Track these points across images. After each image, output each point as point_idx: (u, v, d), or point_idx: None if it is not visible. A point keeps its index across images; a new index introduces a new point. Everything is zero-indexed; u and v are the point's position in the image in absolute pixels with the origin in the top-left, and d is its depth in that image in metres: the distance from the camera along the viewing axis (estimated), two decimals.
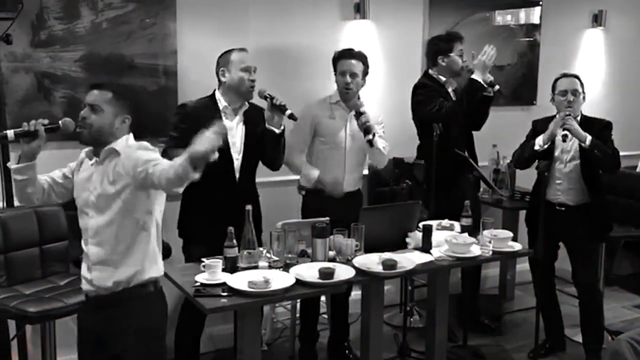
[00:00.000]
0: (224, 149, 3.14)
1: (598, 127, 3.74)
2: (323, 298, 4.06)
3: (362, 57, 3.65)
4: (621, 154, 3.74)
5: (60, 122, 2.50)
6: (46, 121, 2.46)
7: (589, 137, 3.61)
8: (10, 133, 2.42)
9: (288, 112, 3.26)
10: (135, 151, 2.43)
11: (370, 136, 3.53)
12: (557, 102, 3.80)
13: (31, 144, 2.44)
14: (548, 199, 3.78)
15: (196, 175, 2.20)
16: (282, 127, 3.32)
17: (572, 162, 3.79)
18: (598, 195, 3.81)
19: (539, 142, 3.75)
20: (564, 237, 3.89)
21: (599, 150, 3.61)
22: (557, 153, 3.81)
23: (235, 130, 3.35)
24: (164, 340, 2.60)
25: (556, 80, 3.85)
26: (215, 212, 3.24)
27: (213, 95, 3.39)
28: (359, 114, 3.55)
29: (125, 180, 2.39)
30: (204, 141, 2.15)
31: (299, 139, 3.67)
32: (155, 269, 2.52)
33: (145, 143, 2.50)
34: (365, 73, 3.66)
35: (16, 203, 3.34)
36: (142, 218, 2.45)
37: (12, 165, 2.49)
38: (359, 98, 3.66)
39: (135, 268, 2.44)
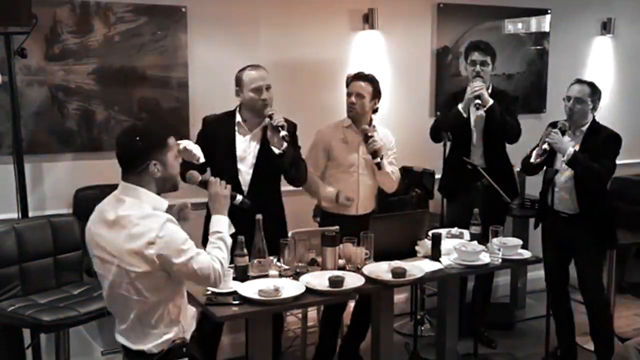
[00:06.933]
0: (231, 164, 3.18)
1: (602, 137, 3.71)
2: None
3: (371, 80, 3.66)
4: (631, 161, 3.70)
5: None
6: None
7: (570, 151, 3.59)
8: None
9: (282, 132, 3.22)
10: None
11: (378, 159, 3.57)
12: (564, 106, 3.79)
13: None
14: (552, 207, 3.79)
15: None
16: (282, 148, 3.27)
17: (567, 172, 3.74)
18: (598, 205, 3.75)
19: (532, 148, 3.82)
20: (569, 245, 3.87)
21: (579, 165, 3.59)
22: (557, 163, 3.77)
23: (248, 145, 3.37)
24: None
25: (570, 85, 3.83)
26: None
27: (235, 109, 3.42)
28: (367, 138, 3.58)
29: None
30: None
31: (313, 163, 3.66)
32: None
33: None
34: (375, 95, 3.66)
35: (31, 214, 3.40)
36: None
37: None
38: (370, 124, 3.67)
39: None
